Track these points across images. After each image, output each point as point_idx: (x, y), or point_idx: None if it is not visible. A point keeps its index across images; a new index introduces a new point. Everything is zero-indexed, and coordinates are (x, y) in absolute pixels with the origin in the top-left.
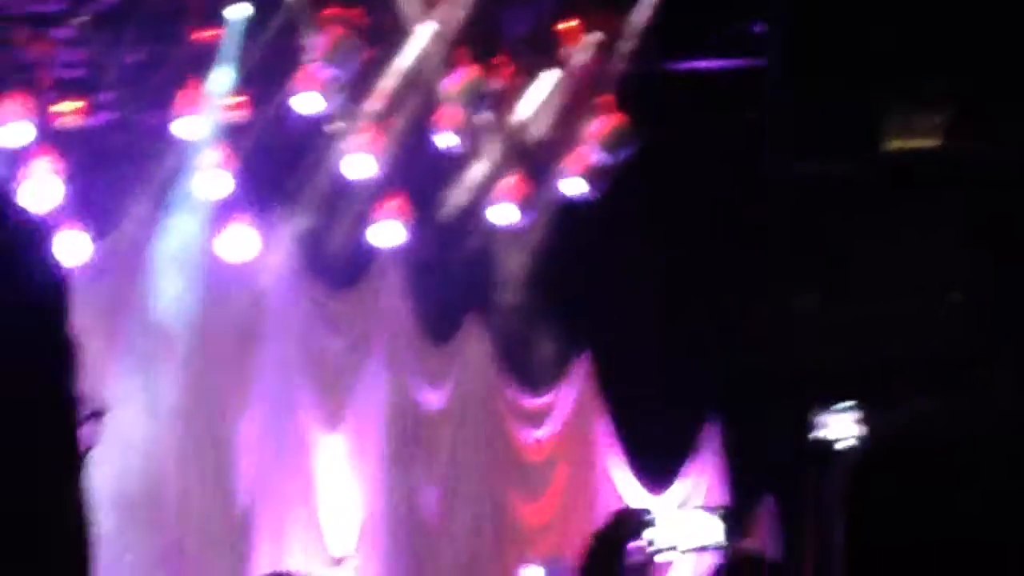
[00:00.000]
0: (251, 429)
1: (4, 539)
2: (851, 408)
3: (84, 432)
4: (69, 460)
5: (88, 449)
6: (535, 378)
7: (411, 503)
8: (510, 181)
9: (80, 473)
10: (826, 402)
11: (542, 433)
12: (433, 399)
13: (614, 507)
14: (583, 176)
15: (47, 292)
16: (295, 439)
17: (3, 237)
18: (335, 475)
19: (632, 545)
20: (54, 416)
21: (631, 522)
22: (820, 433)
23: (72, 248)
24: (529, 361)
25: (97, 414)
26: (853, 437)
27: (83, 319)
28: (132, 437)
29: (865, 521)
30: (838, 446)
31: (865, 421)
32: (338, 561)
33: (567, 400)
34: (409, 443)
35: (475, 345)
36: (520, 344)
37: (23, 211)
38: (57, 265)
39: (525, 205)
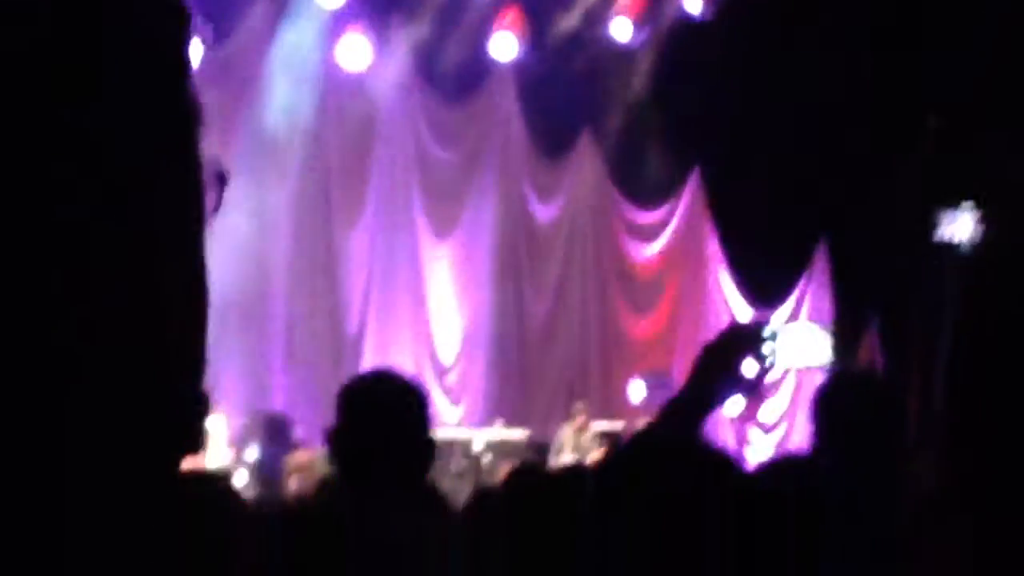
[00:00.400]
0: (362, 240)
1: (126, 290)
2: (971, 210)
3: (208, 195)
4: (194, 219)
5: (212, 212)
6: (646, 193)
7: (519, 315)
8: None
9: (202, 235)
10: (944, 209)
11: (653, 248)
12: (544, 213)
13: (722, 323)
14: None
15: (171, 41)
16: (406, 250)
17: None
18: (444, 285)
19: (743, 359)
20: (180, 170)
21: (744, 336)
22: (941, 234)
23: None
24: (641, 176)
25: (221, 178)
26: (972, 240)
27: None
28: (244, 246)
29: (977, 327)
30: (957, 249)
31: (985, 224)
32: (445, 370)
33: (678, 215)
34: (519, 256)
35: (587, 160)
36: (632, 159)
37: None
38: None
39: (641, 21)
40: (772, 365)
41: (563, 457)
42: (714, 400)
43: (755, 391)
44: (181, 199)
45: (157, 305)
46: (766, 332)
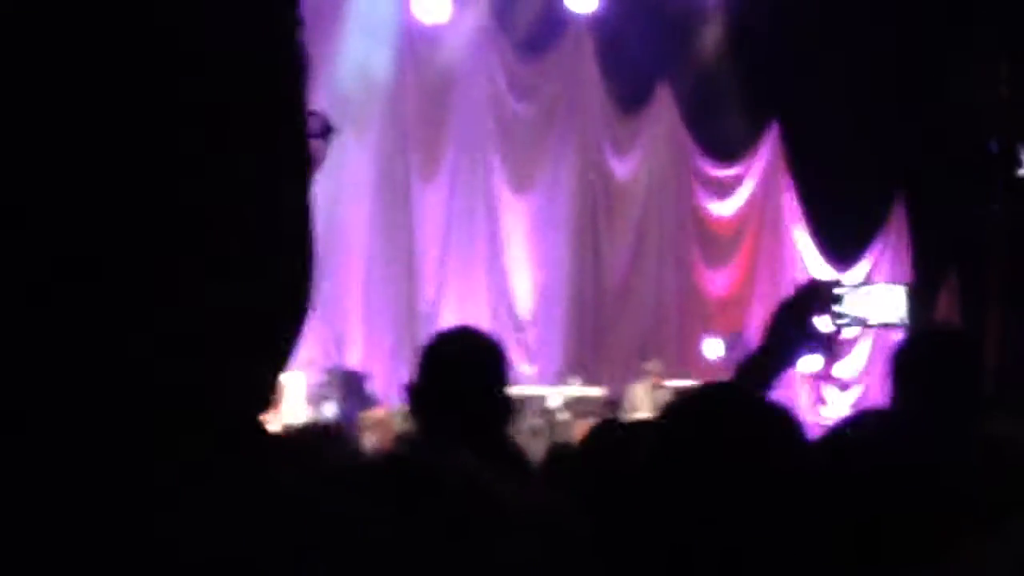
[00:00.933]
0: (440, 195)
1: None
2: None
3: (314, 146)
4: (301, 170)
5: (318, 163)
6: (724, 148)
7: (596, 270)
8: None
9: (309, 187)
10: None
11: (729, 205)
12: (621, 168)
13: (799, 281)
14: None
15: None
16: (483, 204)
17: None
18: (521, 240)
19: (819, 316)
20: (290, 117)
21: (820, 293)
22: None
23: None
24: (718, 131)
25: (327, 130)
26: None
27: None
28: (321, 202)
29: None
30: None
31: None
32: (522, 326)
33: (755, 171)
34: (596, 211)
35: (664, 114)
36: (709, 114)
37: None
38: None
39: None
40: (847, 322)
41: (637, 415)
42: (789, 357)
43: (831, 348)
44: (293, 155)
45: (274, 266)
46: (841, 289)
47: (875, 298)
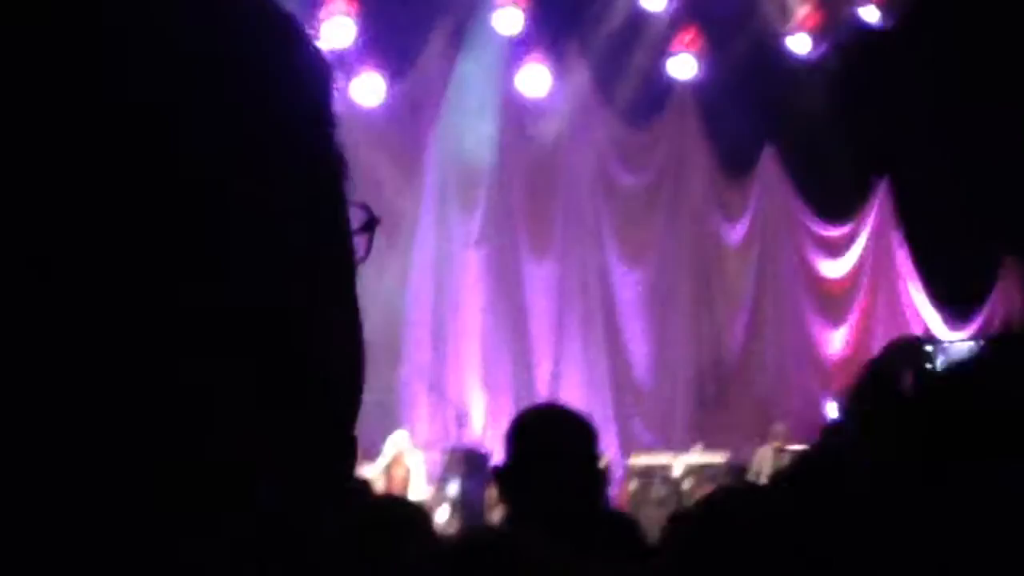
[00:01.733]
0: (551, 269)
1: (271, 348)
2: None
3: (358, 242)
4: (344, 269)
5: (361, 259)
6: (833, 208)
7: (714, 336)
8: (805, 10)
9: (353, 283)
10: None
11: (842, 265)
12: (732, 233)
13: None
14: (878, 3)
15: (320, 95)
16: (596, 276)
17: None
18: (636, 309)
19: (907, 375)
20: (332, 224)
21: (907, 352)
22: None
23: (367, 89)
24: (827, 191)
25: (371, 224)
26: None
27: (379, 158)
28: (434, 277)
29: None
30: None
31: None
32: (643, 395)
33: (866, 229)
34: (710, 277)
35: (772, 176)
36: (817, 174)
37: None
38: (327, 73)
39: (819, 34)
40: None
41: (762, 480)
42: (878, 420)
43: None
44: (333, 253)
45: (315, 363)
46: (928, 347)
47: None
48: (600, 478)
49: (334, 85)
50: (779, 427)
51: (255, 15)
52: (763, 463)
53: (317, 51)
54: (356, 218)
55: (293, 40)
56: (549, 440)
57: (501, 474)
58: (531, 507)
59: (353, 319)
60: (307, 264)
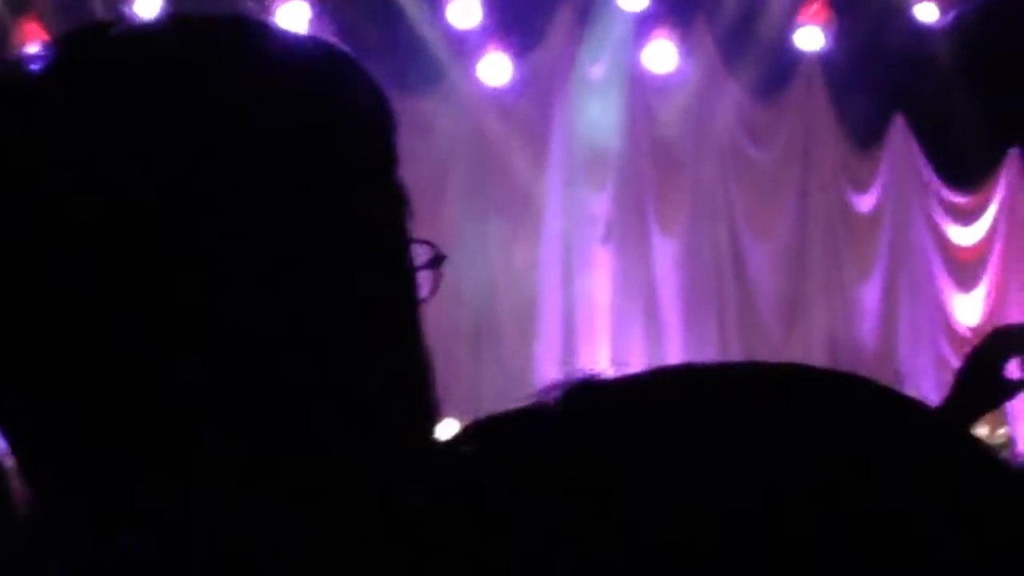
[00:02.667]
0: (681, 244)
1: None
2: None
3: (420, 279)
4: (405, 308)
5: (424, 298)
6: (964, 176)
7: (847, 305)
8: None
9: (416, 322)
10: None
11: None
12: (862, 203)
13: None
14: None
15: (378, 127)
16: (728, 251)
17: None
18: (766, 282)
19: (1013, 362)
20: (393, 262)
21: (1012, 339)
22: None
23: (494, 68)
24: (958, 159)
25: (436, 261)
26: None
27: (507, 139)
28: (564, 253)
29: None
30: None
31: None
32: None
33: (997, 197)
34: (841, 247)
35: (902, 146)
36: (947, 142)
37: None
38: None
39: (947, 2)
40: None
41: None
42: (981, 407)
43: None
44: (394, 291)
45: (376, 398)
46: None
47: None
48: None
49: (393, 126)
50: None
51: (313, 68)
52: None
53: (377, 93)
54: (422, 254)
55: (352, 86)
56: None
57: None
58: None
59: (412, 345)
60: (365, 299)
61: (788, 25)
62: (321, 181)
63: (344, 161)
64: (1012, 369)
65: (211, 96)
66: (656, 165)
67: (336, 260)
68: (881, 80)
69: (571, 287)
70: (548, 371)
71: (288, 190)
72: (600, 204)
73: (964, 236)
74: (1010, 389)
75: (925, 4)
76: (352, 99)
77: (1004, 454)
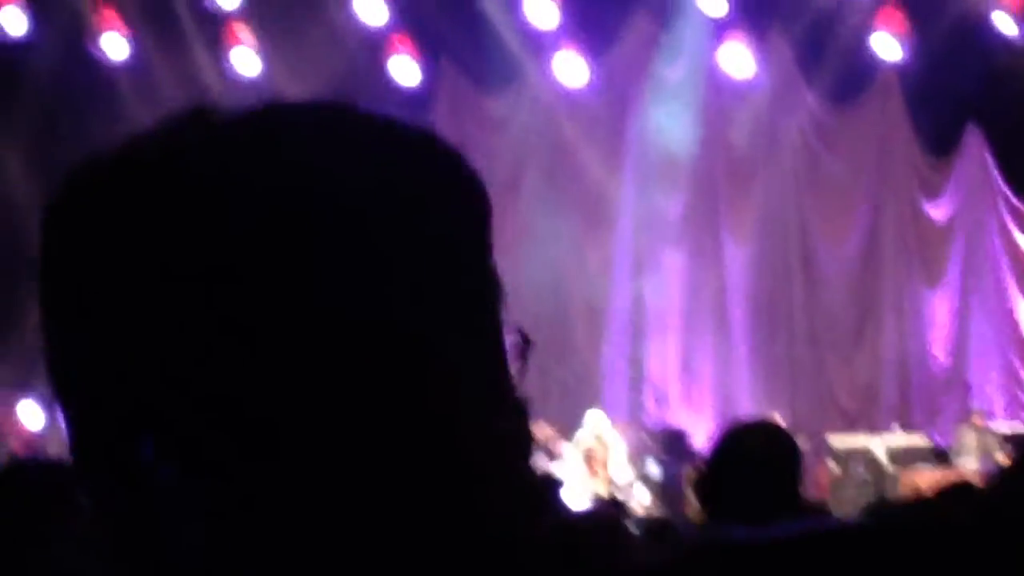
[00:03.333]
0: (751, 247)
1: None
2: None
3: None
4: (498, 391)
5: (519, 379)
6: None
7: (918, 315)
8: None
9: (504, 404)
10: None
11: None
12: (935, 213)
13: None
14: None
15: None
16: (798, 257)
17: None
18: (838, 290)
19: None
20: (483, 350)
21: None
22: None
23: (571, 69)
24: None
25: (524, 348)
26: None
27: (581, 139)
28: (635, 258)
29: None
30: None
31: None
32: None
33: None
34: (913, 256)
35: (975, 156)
36: (1022, 154)
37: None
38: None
39: None
40: None
41: (966, 460)
42: None
43: None
44: (484, 376)
45: (468, 474)
46: None
47: None
48: (797, 498)
49: (488, 220)
50: (978, 406)
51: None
52: (967, 444)
53: (475, 186)
54: (513, 341)
55: (452, 183)
56: (754, 453)
57: (700, 482)
58: (727, 514)
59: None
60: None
61: (865, 33)
62: (417, 264)
63: (441, 246)
64: None
65: (315, 200)
66: (729, 170)
67: (430, 338)
68: (956, 90)
69: (641, 288)
70: (616, 370)
71: (383, 274)
72: (672, 207)
73: None
74: None
75: (1003, 15)
76: (450, 191)
77: None
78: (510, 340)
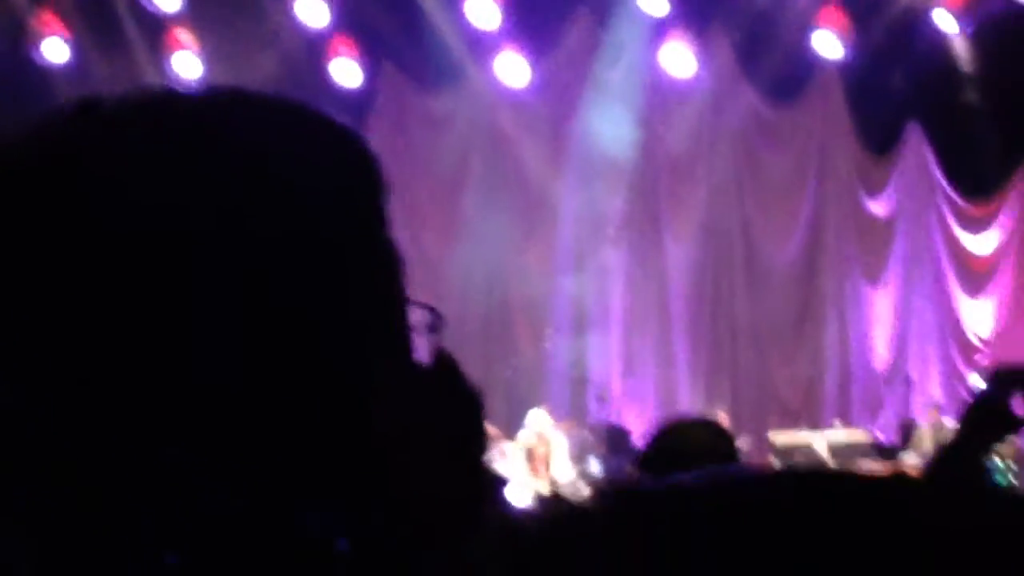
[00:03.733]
0: (692, 245)
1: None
2: None
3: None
4: (401, 368)
5: (429, 359)
6: (977, 184)
7: (859, 311)
8: None
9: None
10: None
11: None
12: (875, 209)
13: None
14: None
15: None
16: (741, 253)
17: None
18: (777, 287)
19: (1017, 399)
20: (384, 326)
21: (1013, 379)
22: None
23: (512, 70)
24: (972, 168)
25: (435, 326)
26: None
27: (523, 139)
28: (577, 256)
29: None
30: None
31: None
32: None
33: (1010, 206)
34: (853, 254)
35: (916, 153)
36: (962, 151)
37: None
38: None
39: (965, 11)
40: None
41: (919, 455)
42: (988, 441)
43: None
44: (386, 351)
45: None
46: None
47: None
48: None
49: (383, 191)
50: (931, 403)
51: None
52: (923, 438)
53: (366, 161)
54: (421, 317)
55: (338, 155)
56: (690, 441)
57: (643, 462)
58: None
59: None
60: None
61: (806, 31)
62: (303, 238)
63: (329, 220)
64: (1016, 405)
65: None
66: (670, 169)
67: (323, 326)
68: (897, 88)
69: (582, 287)
70: (558, 369)
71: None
72: (614, 206)
73: (977, 244)
74: (1015, 424)
75: (943, 12)
76: (332, 168)
77: (1013, 463)
78: (419, 315)
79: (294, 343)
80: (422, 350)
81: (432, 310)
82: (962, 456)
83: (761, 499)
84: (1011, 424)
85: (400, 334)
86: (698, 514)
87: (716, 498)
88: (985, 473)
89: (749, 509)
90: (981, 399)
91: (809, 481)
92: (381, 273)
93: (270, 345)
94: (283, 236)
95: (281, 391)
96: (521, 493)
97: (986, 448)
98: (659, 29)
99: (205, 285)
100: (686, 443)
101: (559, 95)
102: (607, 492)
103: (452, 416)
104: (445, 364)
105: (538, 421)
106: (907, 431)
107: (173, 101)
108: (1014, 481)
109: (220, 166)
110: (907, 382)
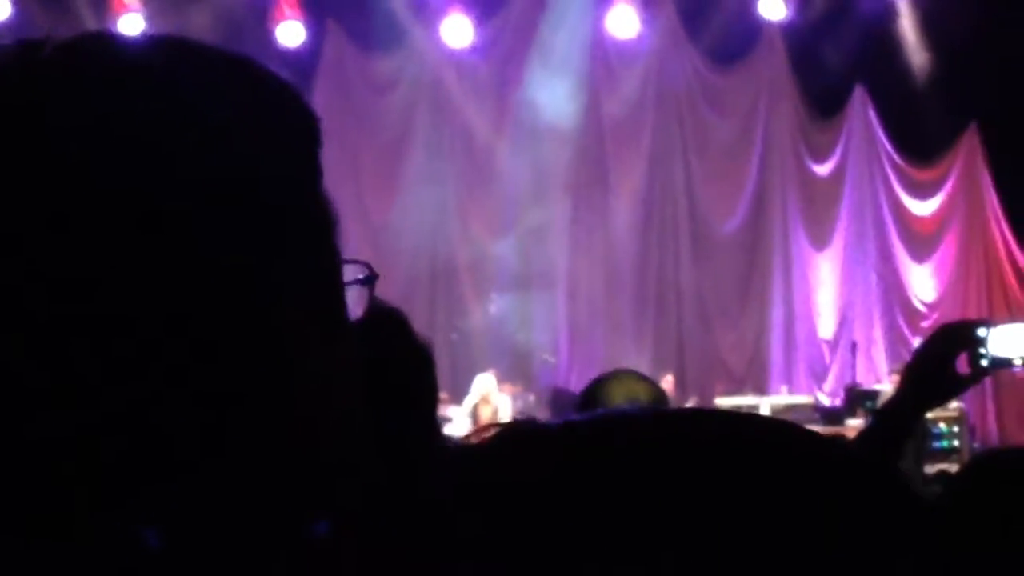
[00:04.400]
0: (637, 206)
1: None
2: None
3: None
4: (334, 323)
5: (362, 314)
6: (923, 149)
7: (804, 275)
8: None
9: (344, 336)
10: None
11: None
12: (819, 172)
13: (1007, 282)
14: None
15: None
16: (683, 217)
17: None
18: (723, 251)
19: (960, 360)
20: (317, 280)
21: (957, 337)
22: None
23: (456, 31)
24: (917, 132)
25: (369, 280)
26: None
27: (469, 101)
28: (523, 215)
29: None
30: None
31: None
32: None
33: (955, 171)
34: (798, 217)
35: (861, 117)
36: (906, 115)
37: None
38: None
39: None
40: (989, 365)
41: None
42: (931, 401)
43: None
44: (318, 307)
45: (301, 410)
46: (981, 331)
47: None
48: None
49: (316, 142)
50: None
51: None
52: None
53: (301, 112)
54: (353, 272)
55: (265, 105)
56: (614, 390)
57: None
58: None
59: (343, 366)
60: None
61: None
62: (230, 188)
63: (255, 170)
64: (960, 364)
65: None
66: (614, 131)
67: (255, 287)
68: (842, 50)
69: (527, 250)
70: (503, 332)
71: (187, 219)
72: (558, 168)
73: (922, 208)
74: (959, 384)
75: None
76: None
77: (957, 428)
78: (353, 270)
79: (215, 287)
80: (359, 307)
81: (367, 265)
82: (900, 417)
83: (639, 433)
84: (955, 384)
85: (333, 288)
86: (575, 448)
87: (597, 433)
88: (925, 437)
89: (624, 442)
90: (923, 357)
91: (698, 418)
92: (314, 226)
93: (190, 285)
94: (213, 179)
95: (201, 335)
96: None
97: (927, 408)
98: None
99: (131, 224)
100: (610, 393)
101: (504, 57)
102: (503, 431)
103: (402, 367)
104: (393, 318)
105: (483, 384)
106: (852, 396)
107: (111, 42)
108: (956, 444)
109: (153, 106)
110: (852, 347)
